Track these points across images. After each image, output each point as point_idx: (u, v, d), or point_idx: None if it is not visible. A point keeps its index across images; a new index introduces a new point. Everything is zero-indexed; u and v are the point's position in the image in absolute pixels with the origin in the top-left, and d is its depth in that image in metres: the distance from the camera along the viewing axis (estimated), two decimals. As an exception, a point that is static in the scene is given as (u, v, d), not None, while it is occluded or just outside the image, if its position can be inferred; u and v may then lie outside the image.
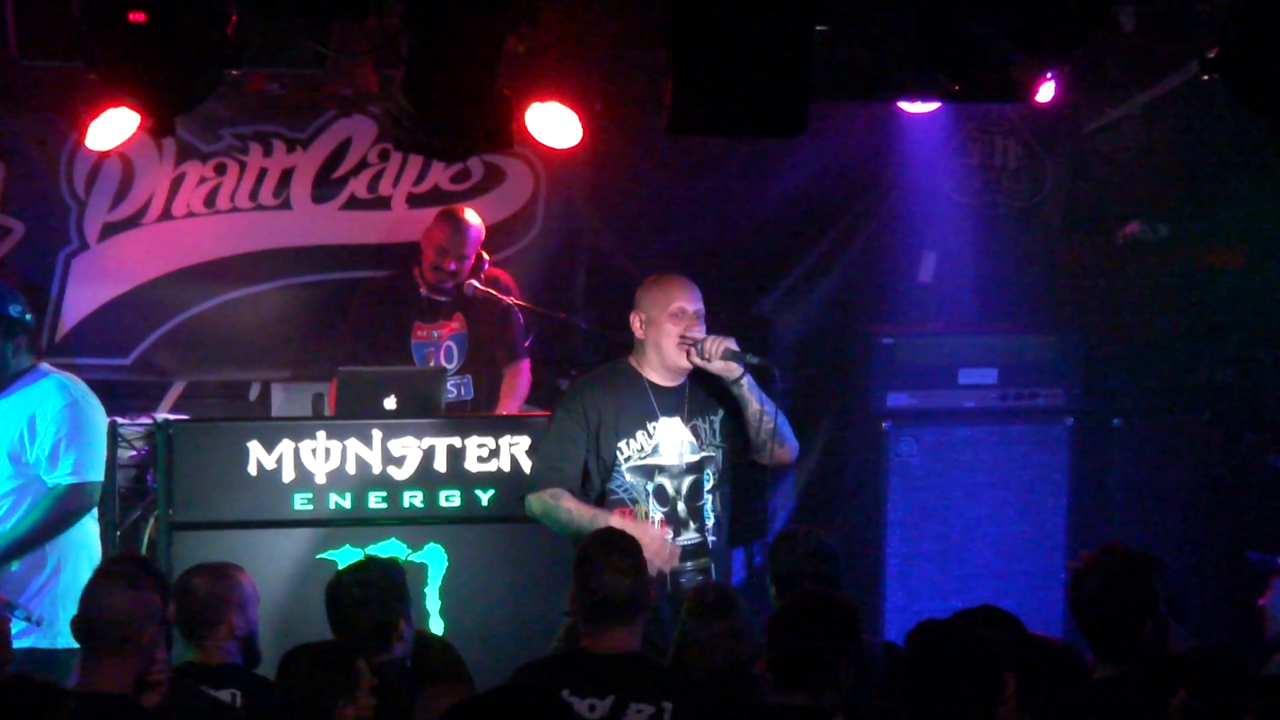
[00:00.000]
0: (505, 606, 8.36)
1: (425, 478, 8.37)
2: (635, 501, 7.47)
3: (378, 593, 6.57)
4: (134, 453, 8.49)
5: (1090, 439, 10.19)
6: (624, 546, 6.54)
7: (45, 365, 8.18)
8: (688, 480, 7.55)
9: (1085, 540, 9.98)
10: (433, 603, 8.31)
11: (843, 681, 5.86)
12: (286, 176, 10.05)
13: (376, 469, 8.35)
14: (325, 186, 10.08)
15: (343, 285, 10.02)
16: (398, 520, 8.37)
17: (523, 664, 6.55)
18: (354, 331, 9.60)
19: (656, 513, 7.47)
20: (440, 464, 8.39)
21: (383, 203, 10.08)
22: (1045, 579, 10.00)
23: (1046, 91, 8.50)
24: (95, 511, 8.24)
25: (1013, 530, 10.08)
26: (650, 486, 7.49)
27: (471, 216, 9.62)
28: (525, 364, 9.67)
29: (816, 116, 7.71)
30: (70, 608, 7.95)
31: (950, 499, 10.05)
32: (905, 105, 9.49)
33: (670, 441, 7.54)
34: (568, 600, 6.66)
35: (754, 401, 7.54)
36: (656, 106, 7.71)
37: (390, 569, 6.79)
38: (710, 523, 7.57)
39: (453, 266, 9.46)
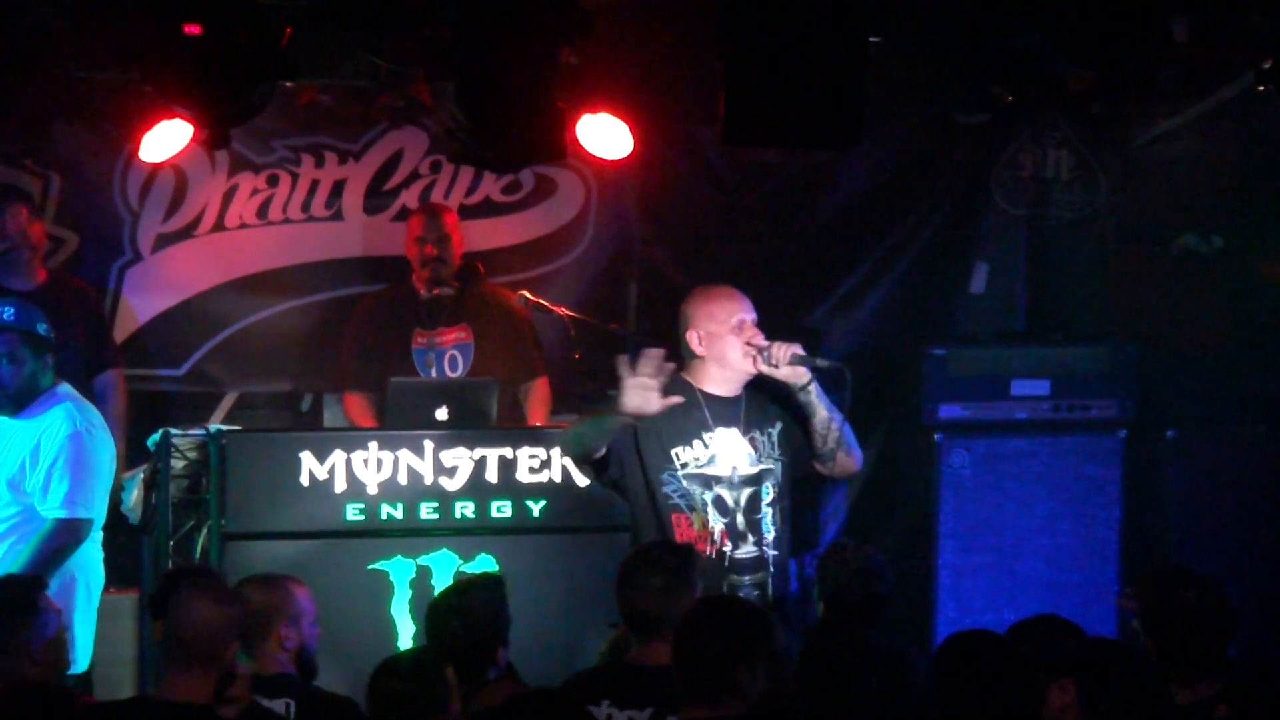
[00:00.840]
0: (557, 617, 8.35)
1: (477, 488, 8.38)
2: (692, 509, 7.39)
3: (479, 622, 6.49)
4: (187, 463, 8.49)
5: (1144, 451, 10.15)
6: (661, 562, 6.52)
7: (64, 388, 8.17)
8: (746, 492, 7.47)
9: (1138, 552, 9.96)
10: (485, 613, 8.30)
11: (747, 691, 5.75)
12: (338, 188, 10.07)
13: (428, 479, 8.35)
14: (377, 198, 10.10)
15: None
16: (449, 531, 8.38)
17: (570, 675, 6.55)
18: (356, 345, 9.56)
19: (717, 523, 7.41)
20: (492, 475, 8.39)
21: (435, 213, 10.08)
22: (1098, 591, 9.95)
23: (1098, 102, 8.50)
24: (100, 537, 8.23)
25: (1065, 542, 10.03)
26: (709, 496, 7.42)
27: (440, 206, 9.70)
28: (543, 381, 9.60)
29: (869, 127, 7.72)
30: (70, 633, 7.97)
31: (1003, 511, 10.01)
32: (958, 116, 9.48)
33: (727, 452, 7.46)
34: (618, 611, 6.65)
35: (822, 409, 7.43)
36: (709, 118, 7.73)
37: (492, 594, 6.66)
38: (770, 536, 7.48)
39: (432, 251, 9.44)
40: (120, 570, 9.15)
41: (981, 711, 5.42)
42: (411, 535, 8.35)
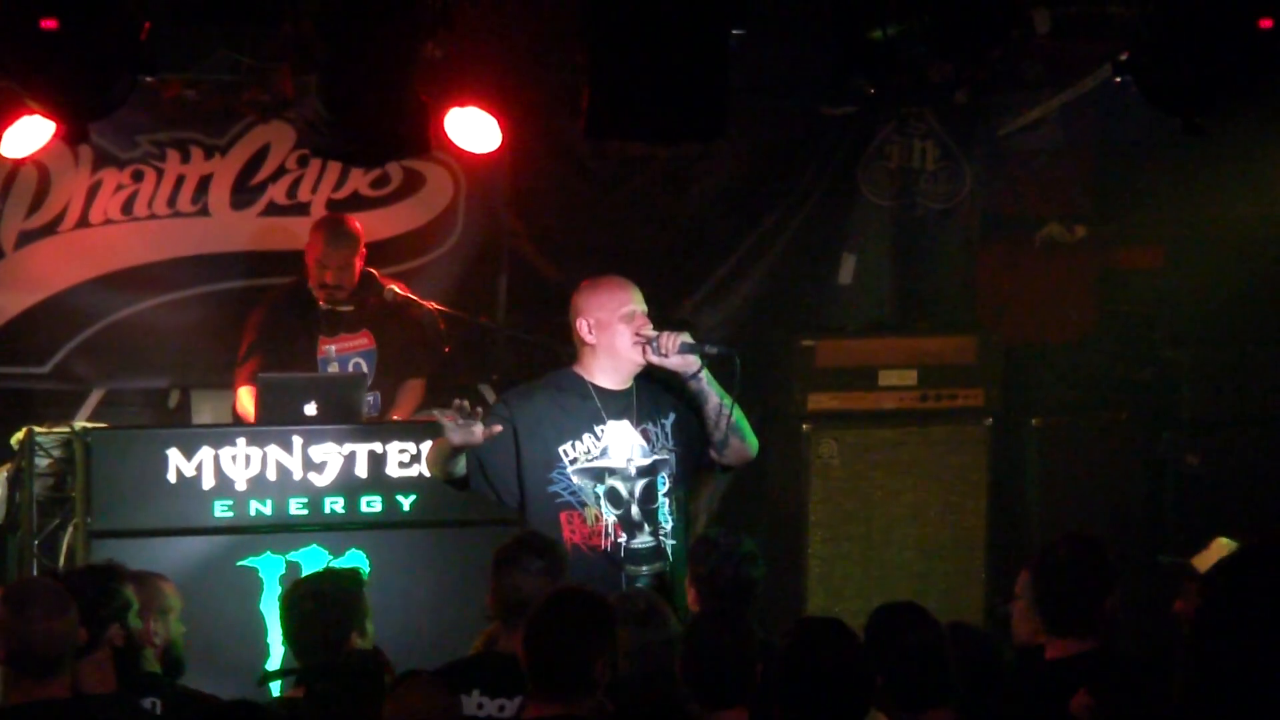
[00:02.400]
0: (428, 611, 8.36)
1: (346, 484, 8.36)
2: (584, 504, 7.39)
3: (328, 606, 6.48)
4: (51, 461, 8.42)
5: (1009, 439, 10.26)
6: (538, 548, 6.58)
7: None
8: (641, 484, 7.46)
9: (1005, 539, 10.07)
10: (355, 608, 8.29)
11: (599, 686, 5.75)
12: (204, 183, 9.99)
13: (297, 475, 8.33)
14: (244, 193, 10.03)
15: (261, 291, 9.96)
16: (319, 526, 8.36)
17: (440, 666, 6.55)
18: (262, 344, 9.45)
19: (610, 516, 7.41)
20: (361, 470, 8.38)
21: (302, 209, 10.03)
22: (965, 578, 10.06)
23: (962, 94, 8.57)
24: None
25: (933, 531, 10.13)
26: (601, 489, 7.41)
27: (347, 224, 9.54)
28: (420, 383, 9.53)
29: (735, 120, 7.75)
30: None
31: (871, 500, 10.09)
32: (823, 108, 9.53)
33: (619, 444, 7.46)
34: (487, 603, 6.66)
35: (714, 396, 7.43)
36: (576, 111, 7.73)
37: (344, 582, 6.66)
38: (668, 526, 7.50)
39: (331, 279, 9.35)
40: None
41: (816, 696, 5.48)
42: (281, 531, 8.33)
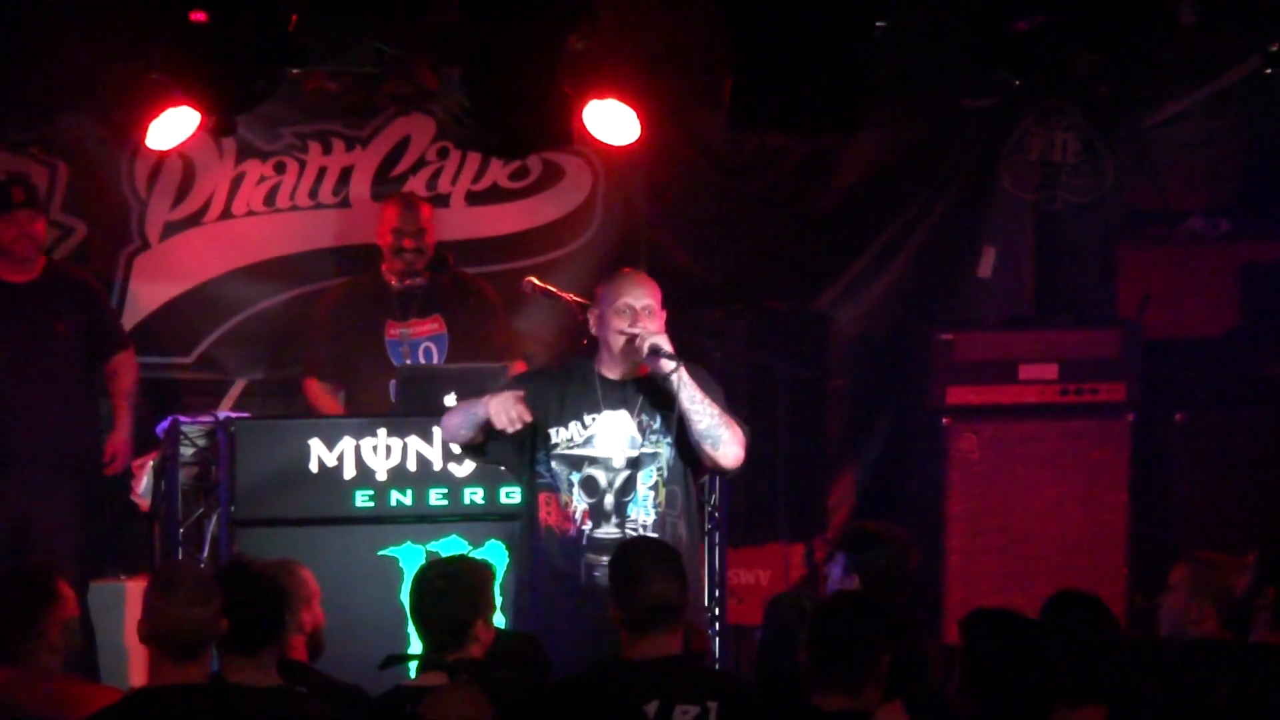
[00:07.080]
0: (567, 602, 8.37)
1: (486, 474, 8.37)
2: (557, 490, 7.48)
3: (459, 589, 6.49)
4: (196, 450, 8.51)
5: (1152, 434, 10.17)
6: (666, 554, 6.54)
7: None
8: (623, 475, 7.50)
9: (1146, 536, 9.98)
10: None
11: (883, 680, 5.78)
12: (346, 175, 10.08)
13: (437, 465, 8.36)
14: (384, 184, 10.11)
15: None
16: (459, 517, 8.38)
17: (561, 679, 6.50)
18: (324, 334, 9.55)
19: (581, 503, 7.46)
20: (501, 461, 8.40)
21: (441, 200, 10.09)
22: (1106, 575, 9.97)
23: (1105, 86, 8.52)
24: None
25: (1073, 526, 10.06)
26: (576, 477, 7.46)
27: (415, 195, 9.73)
28: (517, 365, 9.52)
29: (876, 112, 7.73)
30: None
31: (1011, 494, 10.04)
32: (965, 100, 9.49)
33: (608, 435, 7.49)
34: (612, 616, 6.59)
35: (682, 400, 7.38)
36: (715, 103, 7.75)
37: (478, 568, 6.58)
38: (643, 519, 7.52)
39: (411, 244, 9.41)
40: (133, 557, 9.19)
41: (1007, 688, 5.45)
42: (421, 521, 8.36)
